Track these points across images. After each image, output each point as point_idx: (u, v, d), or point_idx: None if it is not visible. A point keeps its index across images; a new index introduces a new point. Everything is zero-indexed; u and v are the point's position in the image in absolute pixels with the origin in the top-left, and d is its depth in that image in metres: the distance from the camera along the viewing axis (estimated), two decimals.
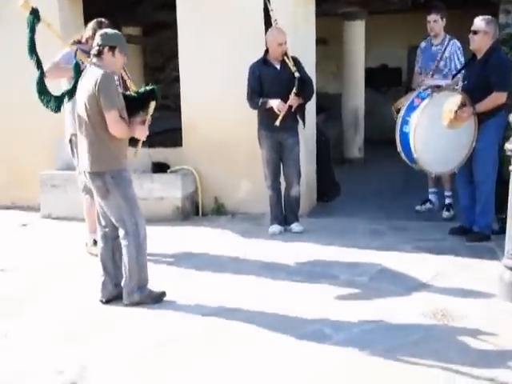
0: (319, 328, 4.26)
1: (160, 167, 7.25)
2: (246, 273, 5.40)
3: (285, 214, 6.60)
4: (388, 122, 12.14)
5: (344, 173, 8.73)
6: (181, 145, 7.35)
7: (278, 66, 6.30)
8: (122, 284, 4.82)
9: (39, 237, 6.74)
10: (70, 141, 5.88)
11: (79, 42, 5.86)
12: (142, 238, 4.74)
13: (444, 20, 6.96)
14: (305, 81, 6.25)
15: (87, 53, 5.71)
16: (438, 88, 5.94)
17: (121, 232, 4.71)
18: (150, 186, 6.78)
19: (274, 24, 6.41)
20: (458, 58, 6.82)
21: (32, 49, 5.18)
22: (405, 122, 5.90)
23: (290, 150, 6.39)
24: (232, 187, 7.24)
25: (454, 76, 6.37)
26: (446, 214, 6.94)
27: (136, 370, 3.85)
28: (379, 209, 7.51)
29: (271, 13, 6.43)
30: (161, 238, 6.20)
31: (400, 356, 3.85)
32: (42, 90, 5.12)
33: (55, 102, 5.00)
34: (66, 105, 5.88)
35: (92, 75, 4.55)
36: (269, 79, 6.26)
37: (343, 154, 10.50)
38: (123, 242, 4.70)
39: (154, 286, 4.89)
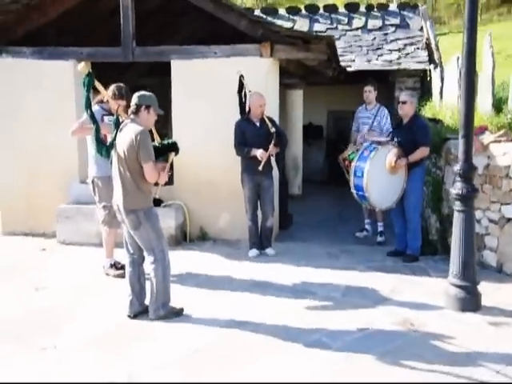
0: (319, 338, 3.99)
1: (155, 202, 6.77)
2: (241, 290, 5.05)
3: (260, 240, 6.27)
4: (312, 166, 12.24)
5: (290, 207, 8.46)
6: (172, 183, 6.91)
7: (258, 124, 6.06)
8: (147, 302, 4.40)
9: (59, 259, 6.11)
10: (93, 182, 5.40)
11: (101, 102, 5.43)
12: (167, 263, 4.37)
13: (376, 91, 6.94)
14: (280, 134, 6.06)
15: (108, 111, 5.35)
16: (381, 143, 5.85)
17: (149, 258, 4.32)
18: None
19: (248, 93, 6.20)
20: (386, 121, 6.81)
21: (87, 105, 4.73)
22: (358, 169, 5.74)
23: (267, 190, 6.13)
24: (214, 218, 6.87)
25: (388, 135, 6.30)
26: (379, 238, 6.83)
27: (175, 376, 3.47)
28: (326, 235, 7.28)
29: (245, 85, 6.22)
30: None
31: (391, 359, 3.65)
32: (99, 142, 4.74)
33: (107, 152, 4.56)
34: (90, 153, 5.44)
35: (131, 130, 4.18)
36: (251, 133, 6.01)
37: (287, 192, 10.25)
38: (151, 267, 4.30)
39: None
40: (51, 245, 6.64)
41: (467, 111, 4.30)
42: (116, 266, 5.49)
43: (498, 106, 6.64)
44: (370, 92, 6.86)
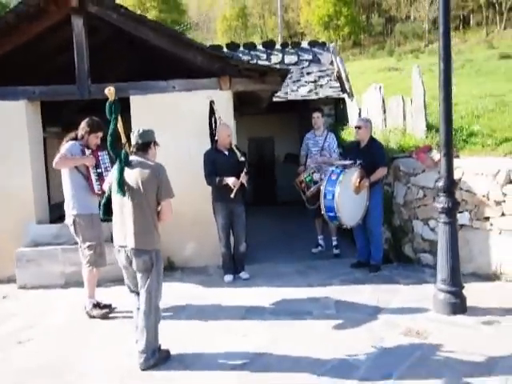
0: (343, 359, 3.61)
1: None
2: (238, 318, 4.54)
3: (234, 265, 5.80)
4: None
5: None
6: None
7: (227, 153, 5.62)
8: (140, 350, 3.65)
9: (28, 306, 5.18)
10: (74, 221, 4.63)
11: (75, 139, 4.74)
12: (160, 311, 3.78)
13: (323, 117, 6.82)
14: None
15: (84, 146, 4.69)
16: (346, 166, 5.64)
17: (144, 304, 3.65)
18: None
19: (218, 120, 5.84)
20: (335, 145, 6.67)
21: (113, 134, 3.74)
22: (328, 192, 5.47)
23: (239, 216, 5.69)
24: (179, 247, 6.27)
25: (346, 158, 6.05)
26: (335, 251, 6.63)
27: None
28: (283, 253, 6.92)
29: (216, 112, 5.84)
30: None
31: (425, 373, 3.35)
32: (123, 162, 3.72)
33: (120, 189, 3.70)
34: (68, 190, 4.68)
35: (147, 166, 3.65)
36: (221, 163, 5.55)
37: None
38: (143, 314, 3.65)
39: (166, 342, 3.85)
40: (11, 291, 5.66)
41: (447, 133, 4.23)
42: (99, 305, 4.75)
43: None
44: (318, 118, 6.68)
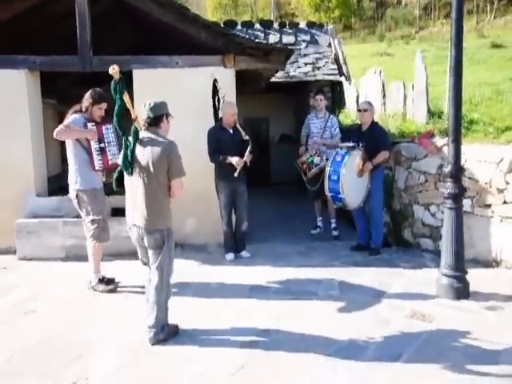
0: (351, 340, 3.61)
1: (118, 211, 5.98)
2: (242, 296, 4.52)
3: (235, 243, 5.77)
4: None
5: None
6: None
7: (231, 131, 5.56)
8: (149, 325, 3.62)
9: (30, 277, 5.10)
10: (77, 196, 4.53)
11: (80, 111, 4.61)
12: (170, 287, 3.76)
13: (326, 100, 6.75)
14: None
15: (88, 120, 4.56)
16: (351, 148, 5.60)
17: (155, 279, 3.62)
18: (119, 227, 5.50)
19: (222, 99, 5.74)
20: (336, 128, 6.63)
21: (118, 115, 3.63)
22: (333, 173, 5.45)
23: (241, 195, 5.67)
24: (179, 224, 6.18)
25: (347, 141, 6.01)
26: (334, 233, 6.63)
27: None
28: (280, 234, 6.92)
29: (220, 90, 5.73)
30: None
31: (431, 354, 3.37)
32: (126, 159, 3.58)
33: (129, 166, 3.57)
34: (72, 164, 4.57)
35: (158, 142, 3.50)
36: (225, 141, 5.49)
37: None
38: (155, 290, 3.61)
39: (173, 317, 3.81)
40: (11, 262, 5.57)
41: (456, 119, 4.21)
42: (104, 280, 4.69)
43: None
44: (321, 100, 6.61)
